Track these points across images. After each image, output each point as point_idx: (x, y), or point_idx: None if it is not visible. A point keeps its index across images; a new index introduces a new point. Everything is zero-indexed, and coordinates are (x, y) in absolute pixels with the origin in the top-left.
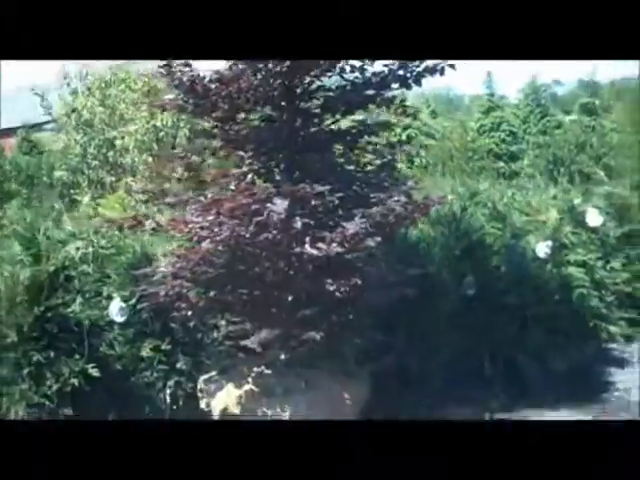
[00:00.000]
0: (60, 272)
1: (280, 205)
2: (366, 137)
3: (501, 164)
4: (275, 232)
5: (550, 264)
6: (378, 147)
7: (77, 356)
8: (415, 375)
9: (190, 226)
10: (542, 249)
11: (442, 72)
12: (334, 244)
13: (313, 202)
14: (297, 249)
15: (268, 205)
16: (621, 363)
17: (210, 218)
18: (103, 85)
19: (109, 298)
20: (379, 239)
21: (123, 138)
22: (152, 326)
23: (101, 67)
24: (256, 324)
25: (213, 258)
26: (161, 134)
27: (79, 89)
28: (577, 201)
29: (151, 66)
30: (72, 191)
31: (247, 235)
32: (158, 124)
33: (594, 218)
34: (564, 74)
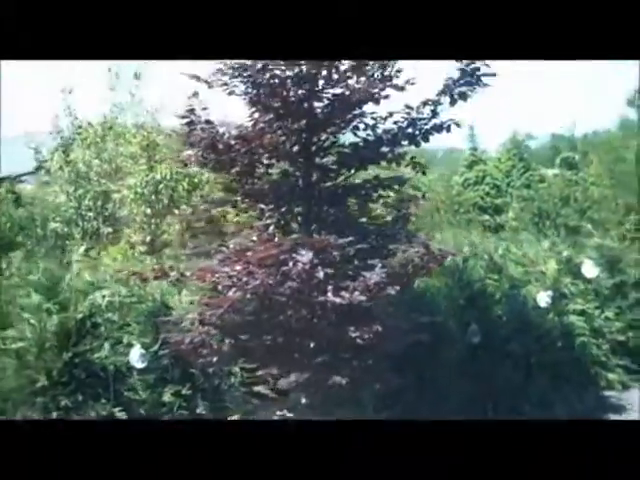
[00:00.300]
0: (87, 319)
1: (305, 256)
2: (380, 191)
3: (486, 217)
4: (299, 281)
5: (552, 313)
6: (392, 201)
7: (103, 400)
8: None
9: (217, 275)
10: (543, 298)
11: (449, 129)
12: (356, 292)
13: (334, 253)
14: (321, 297)
15: (294, 255)
16: (620, 410)
17: (238, 268)
18: (98, 139)
19: (132, 345)
20: (398, 288)
21: (119, 191)
22: (172, 372)
23: (94, 119)
24: (283, 369)
25: (241, 306)
26: (160, 187)
27: (76, 142)
28: (568, 253)
29: (148, 119)
30: (67, 242)
31: (273, 284)
32: (157, 177)
33: (590, 269)
34: (538, 128)
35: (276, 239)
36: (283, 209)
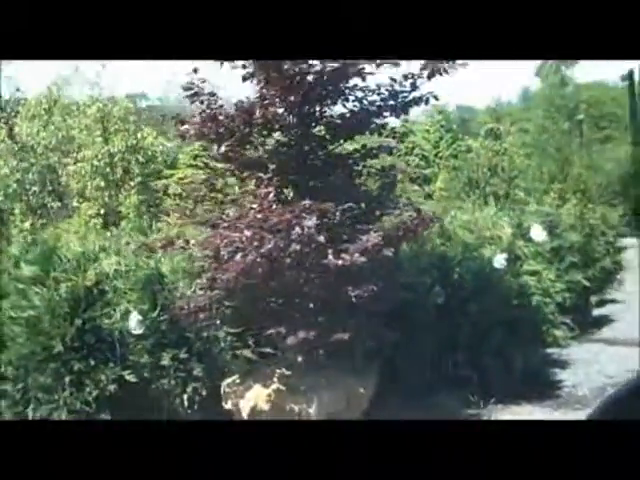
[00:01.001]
0: (94, 288)
1: (310, 221)
2: (369, 160)
3: (416, 187)
4: (303, 245)
5: (508, 274)
6: (379, 169)
7: (111, 364)
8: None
9: (226, 241)
10: (499, 261)
11: (427, 102)
12: (356, 255)
13: (333, 218)
14: (323, 260)
15: (301, 221)
16: (565, 364)
17: (248, 233)
18: (43, 112)
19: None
20: (393, 250)
21: (67, 165)
22: (170, 337)
23: (38, 91)
24: (291, 327)
25: (252, 269)
26: (115, 159)
27: (19, 114)
28: (515, 219)
29: (99, 92)
30: (12, 217)
31: (283, 247)
32: (113, 149)
33: (538, 233)
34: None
35: (274, 206)
36: (277, 178)
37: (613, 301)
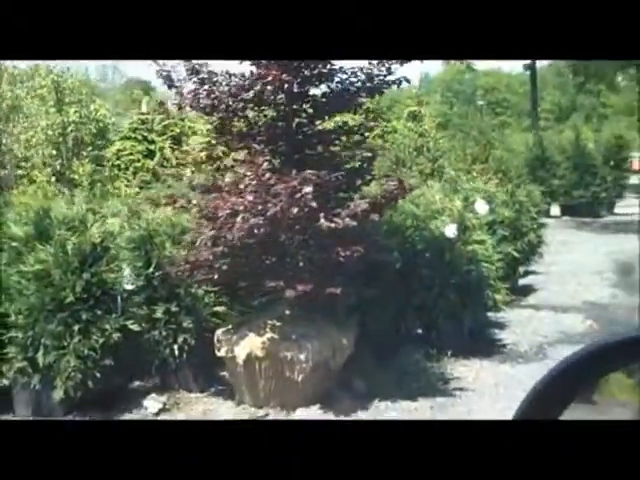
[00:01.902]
0: (99, 245)
1: (307, 188)
2: (351, 136)
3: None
4: (300, 210)
5: (458, 243)
6: (359, 144)
7: (114, 315)
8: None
9: (230, 204)
10: (450, 230)
11: (399, 84)
12: (347, 219)
13: (324, 186)
14: (317, 223)
15: (300, 187)
16: (503, 325)
17: (251, 198)
18: None
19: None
20: (378, 215)
21: (27, 132)
22: (162, 292)
23: None
24: (287, 282)
25: (255, 230)
26: (69, 129)
27: None
28: (462, 194)
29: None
30: None
31: (284, 211)
32: (67, 119)
33: (482, 207)
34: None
35: (267, 175)
36: (267, 149)
37: (534, 272)
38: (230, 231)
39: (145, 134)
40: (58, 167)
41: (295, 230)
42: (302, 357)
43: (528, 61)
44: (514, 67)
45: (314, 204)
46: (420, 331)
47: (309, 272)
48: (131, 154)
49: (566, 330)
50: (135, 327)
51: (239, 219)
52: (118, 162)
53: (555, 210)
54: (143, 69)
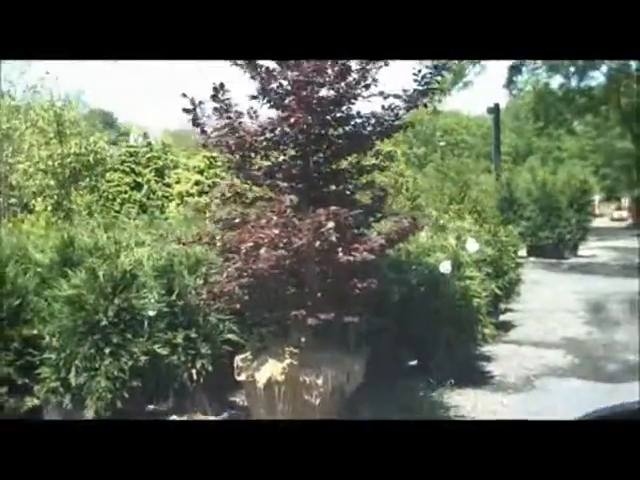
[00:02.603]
0: (128, 272)
1: (330, 223)
2: (365, 175)
3: None
4: (321, 243)
5: (453, 278)
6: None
7: (141, 339)
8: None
9: (255, 237)
10: (445, 266)
11: (406, 129)
12: (365, 253)
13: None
14: (338, 256)
15: (327, 223)
16: (490, 358)
17: (276, 231)
18: None
19: (170, 292)
20: (391, 250)
21: (25, 163)
22: (181, 319)
23: None
24: (306, 312)
25: (281, 262)
26: (68, 160)
27: None
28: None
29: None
30: None
31: (309, 244)
32: (67, 151)
33: (472, 245)
34: None
35: (288, 211)
36: (286, 185)
37: (512, 310)
38: (255, 263)
39: (133, 166)
40: (56, 197)
41: (315, 262)
42: (320, 382)
43: (492, 104)
44: (472, 109)
45: (334, 238)
46: (417, 361)
47: (327, 302)
48: (118, 185)
49: (549, 364)
50: (162, 351)
51: (263, 251)
52: (105, 193)
53: (521, 251)
54: (106, 100)
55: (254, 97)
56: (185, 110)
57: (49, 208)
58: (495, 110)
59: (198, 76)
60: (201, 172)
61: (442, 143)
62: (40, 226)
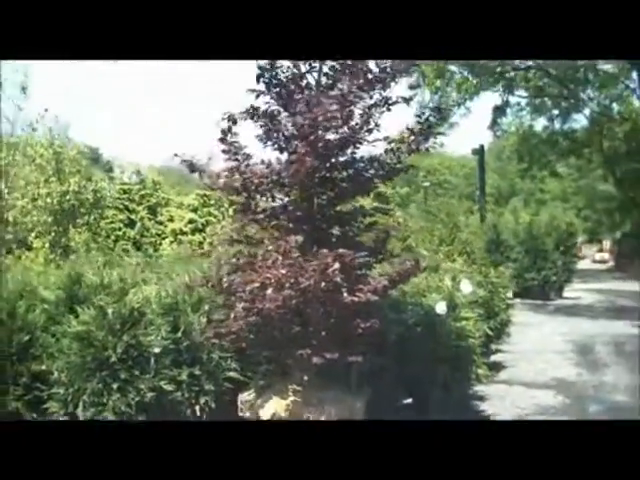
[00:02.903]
0: (136, 310)
1: (336, 264)
2: (368, 217)
3: None
4: (326, 283)
5: (449, 319)
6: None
7: (147, 375)
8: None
9: (262, 277)
10: (440, 307)
11: (407, 171)
12: (369, 293)
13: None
14: (344, 296)
15: (334, 264)
16: (483, 397)
17: (283, 271)
18: None
19: (176, 330)
20: (394, 290)
21: (23, 199)
22: (185, 356)
23: None
24: (311, 351)
25: (288, 302)
26: (67, 197)
27: None
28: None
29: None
30: None
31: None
32: (66, 189)
33: (466, 286)
34: None
35: (294, 252)
36: (291, 226)
37: (502, 351)
38: (262, 302)
39: (127, 203)
40: (53, 234)
41: (320, 302)
42: (323, 419)
43: (475, 145)
44: (456, 149)
45: (338, 279)
46: (413, 400)
47: (331, 341)
48: (112, 222)
49: (541, 404)
50: (167, 387)
51: (270, 291)
52: (100, 230)
53: (508, 293)
54: (90, 135)
55: (261, 140)
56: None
57: (47, 245)
58: (480, 151)
59: (178, 111)
60: (195, 210)
61: (426, 183)
62: (39, 263)
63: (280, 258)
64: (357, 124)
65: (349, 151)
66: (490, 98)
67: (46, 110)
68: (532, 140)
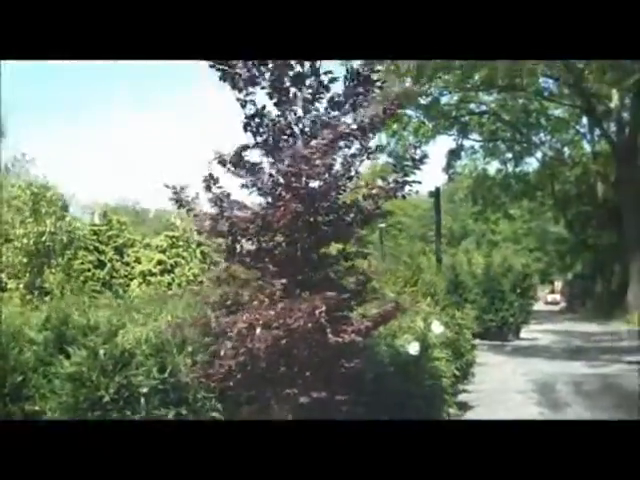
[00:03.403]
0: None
1: (322, 307)
2: (349, 261)
3: None
4: (312, 324)
5: (422, 359)
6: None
7: (138, 415)
8: None
9: (251, 319)
10: (414, 348)
11: (384, 216)
12: (353, 334)
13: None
14: (327, 337)
15: (321, 307)
16: None
17: (272, 312)
18: None
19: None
20: (376, 331)
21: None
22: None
23: None
24: (297, 390)
25: (278, 342)
26: (44, 238)
27: None
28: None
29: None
30: None
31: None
32: (43, 229)
33: (437, 327)
34: None
35: (277, 294)
36: (275, 270)
37: (467, 390)
38: (251, 343)
39: (97, 245)
40: (28, 275)
41: (306, 342)
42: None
43: (429, 186)
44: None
45: (323, 320)
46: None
47: (316, 381)
48: (83, 263)
49: None
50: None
51: (258, 331)
52: (69, 271)
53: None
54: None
55: (245, 186)
56: (177, 201)
57: (21, 286)
58: (436, 194)
59: (137, 150)
60: (163, 251)
61: (382, 225)
62: (15, 304)
63: (266, 300)
64: (338, 172)
65: (331, 197)
66: (445, 141)
67: (23, 154)
68: (486, 183)
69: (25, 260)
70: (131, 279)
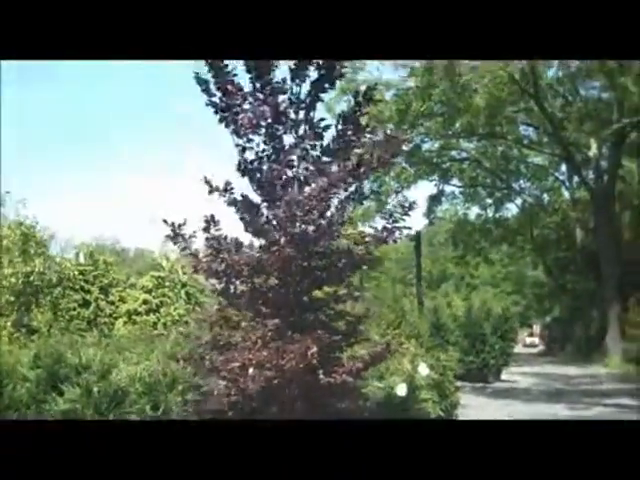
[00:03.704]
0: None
1: (314, 348)
2: (340, 304)
3: None
4: (304, 365)
5: (409, 401)
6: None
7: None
8: None
9: (243, 359)
10: (402, 389)
11: (375, 262)
12: (344, 375)
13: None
14: (321, 377)
15: (313, 347)
16: None
17: (265, 353)
18: None
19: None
20: (369, 370)
21: None
22: None
23: None
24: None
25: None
26: (32, 278)
27: None
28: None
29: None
30: None
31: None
32: (31, 269)
33: (423, 369)
34: None
35: (268, 335)
36: (268, 311)
37: None
38: (244, 383)
39: (82, 284)
40: (16, 314)
41: (297, 383)
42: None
43: (413, 231)
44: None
45: (315, 361)
46: None
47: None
48: (68, 302)
49: None
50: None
51: (251, 371)
52: (55, 310)
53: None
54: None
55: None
56: (174, 238)
57: (9, 324)
58: (417, 238)
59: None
60: (149, 291)
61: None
62: (3, 342)
63: (259, 341)
64: (332, 215)
65: (324, 242)
66: (426, 187)
67: (8, 192)
68: (466, 228)
69: (12, 299)
70: (115, 318)
